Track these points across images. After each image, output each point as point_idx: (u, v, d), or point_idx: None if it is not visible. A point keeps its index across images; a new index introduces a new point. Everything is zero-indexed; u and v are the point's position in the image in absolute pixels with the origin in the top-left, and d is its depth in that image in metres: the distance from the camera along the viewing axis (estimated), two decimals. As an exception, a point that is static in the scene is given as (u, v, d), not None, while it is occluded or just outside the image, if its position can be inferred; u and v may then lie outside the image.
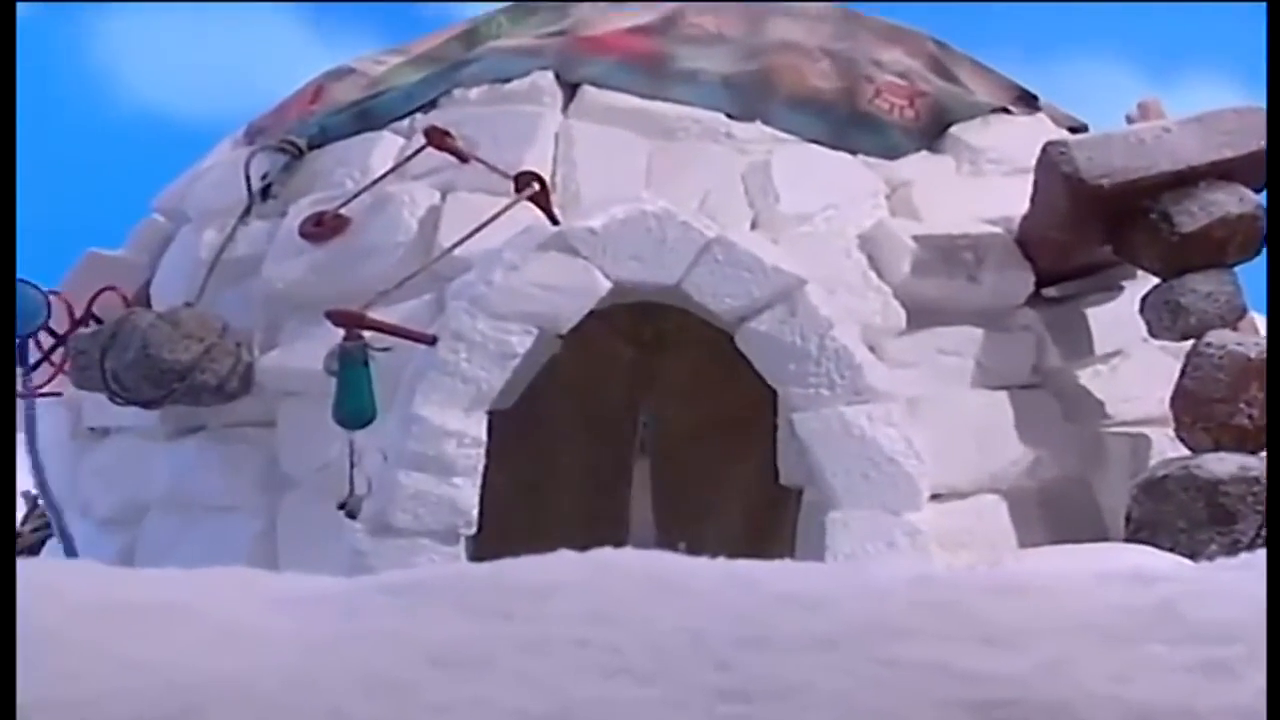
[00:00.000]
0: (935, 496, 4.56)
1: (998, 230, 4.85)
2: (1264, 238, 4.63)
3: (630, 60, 5.15)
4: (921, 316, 4.73)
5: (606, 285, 4.51)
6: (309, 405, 4.63)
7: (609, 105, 5.05)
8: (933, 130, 5.18)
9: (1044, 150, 4.63)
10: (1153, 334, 4.73)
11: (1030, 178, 4.72)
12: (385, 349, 4.38)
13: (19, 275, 4.82)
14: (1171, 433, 4.64)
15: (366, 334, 4.39)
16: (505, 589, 1.32)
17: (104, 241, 5.52)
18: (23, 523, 5.66)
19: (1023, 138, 5.10)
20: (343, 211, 4.87)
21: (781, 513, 4.94)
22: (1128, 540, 4.41)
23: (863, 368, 4.52)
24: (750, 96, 5.09)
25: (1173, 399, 4.58)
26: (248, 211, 5.08)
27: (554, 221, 4.63)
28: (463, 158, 4.91)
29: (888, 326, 4.70)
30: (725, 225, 4.66)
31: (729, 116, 5.04)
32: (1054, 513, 4.77)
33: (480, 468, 4.40)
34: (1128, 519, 4.47)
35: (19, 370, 5.00)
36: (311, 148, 5.18)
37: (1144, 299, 4.71)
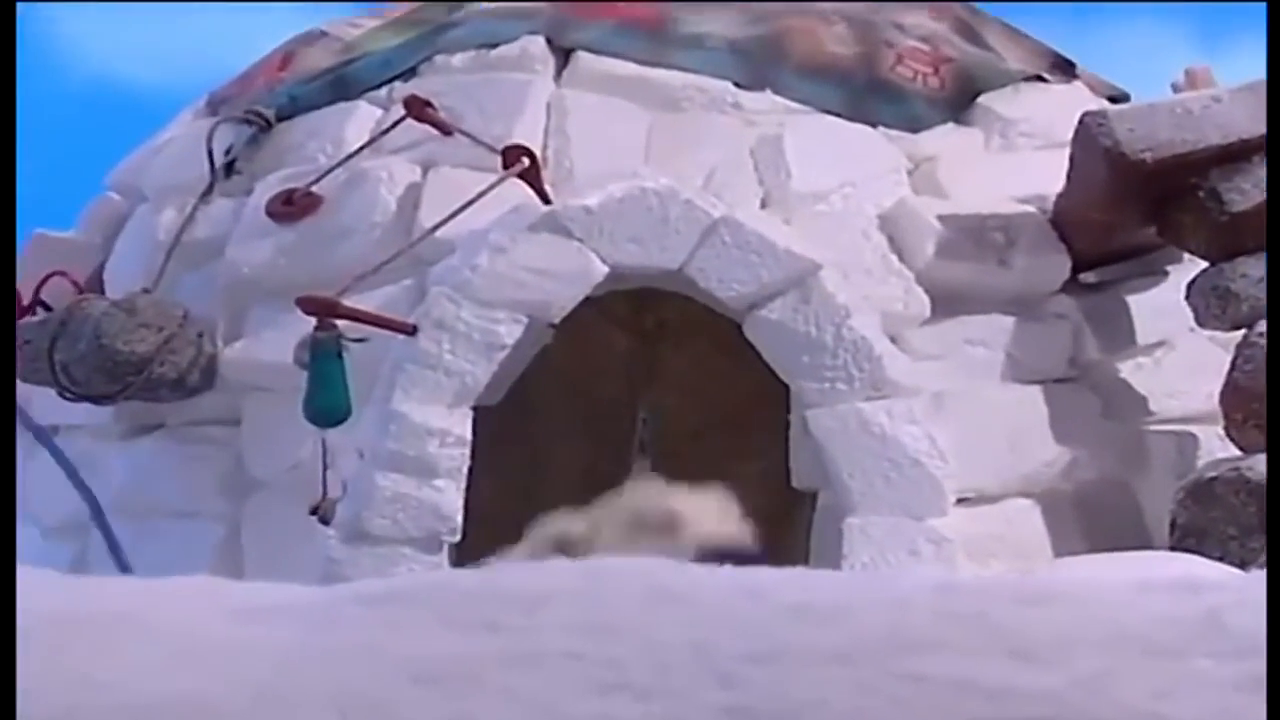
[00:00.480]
0: (962, 501, 4.57)
1: (1031, 209, 4.86)
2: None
3: (629, 24, 5.15)
4: (947, 304, 4.74)
5: (603, 270, 4.51)
6: (277, 401, 4.64)
7: (605, 73, 5.05)
8: (959, 100, 5.18)
9: (1082, 121, 4.63)
10: (1200, 323, 4.73)
11: (1066, 152, 4.72)
12: (361, 339, 4.38)
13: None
14: (1221, 431, 4.64)
15: (340, 323, 4.40)
16: (492, 599, 1.33)
17: (53, 222, 5.52)
18: None
19: (1058, 108, 5.10)
20: (314, 189, 4.87)
21: (793, 518, 4.95)
22: (1173, 549, 4.41)
23: (883, 360, 4.52)
24: (760, 63, 5.09)
25: (1222, 394, 4.58)
26: (210, 189, 5.08)
27: (545, 200, 4.63)
28: (445, 130, 4.91)
29: (910, 315, 4.70)
30: (732, 204, 4.67)
31: (737, 85, 5.04)
32: (1092, 519, 4.77)
33: (465, 469, 4.41)
34: (1173, 526, 4.47)
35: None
36: (280, 119, 5.18)
37: (1191, 284, 4.70)
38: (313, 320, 4.40)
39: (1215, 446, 4.71)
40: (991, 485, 4.68)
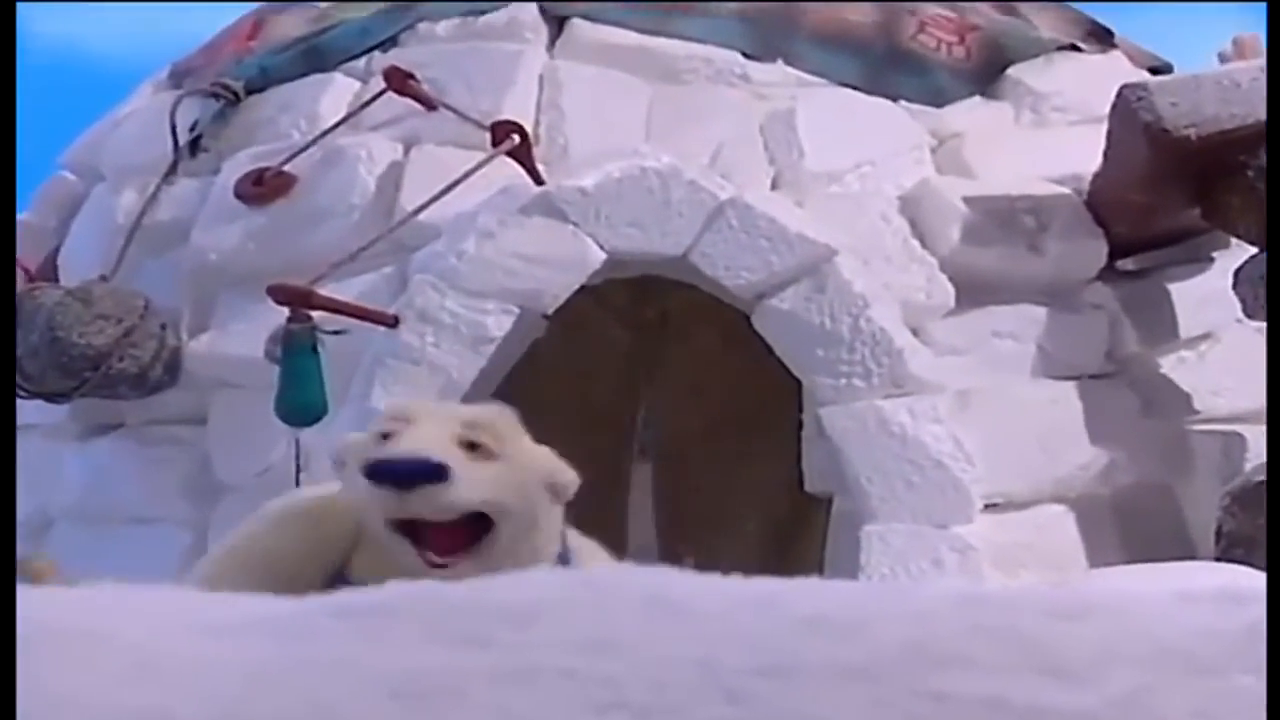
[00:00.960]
0: (989, 507, 4.58)
1: (1064, 190, 4.86)
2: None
3: (628, -12, 5.16)
4: (974, 293, 4.74)
5: (600, 256, 4.52)
6: (247, 399, 4.65)
7: (603, 42, 5.05)
8: (987, 71, 5.19)
9: (1120, 95, 4.64)
10: (1248, 314, 4.73)
11: (1103, 128, 4.73)
12: (338, 332, 4.39)
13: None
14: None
15: (315, 314, 4.40)
16: (481, 611, 1.33)
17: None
18: None
19: (1095, 80, 5.10)
20: (286, 168, 4.88)
21: (807, 525, 4.96)
22: (1218, 559, 4.42)
23: (903, 354, 4.53)
24: (770, 32, 5.09)
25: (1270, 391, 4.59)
26: (173, 168, 5.09)
27: (537, 181, 4.64)
28: (429, 104, 4.91)
29: (933, 305, 4.71)
30: (741, 185, 4.67)
31: (745, 56, 5.05)
32: (1131, 526, 4.78)
33: (450, 472, 4.41)
34: (1218, 533, 4.48)
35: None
36: (249, 92, 5.19)
37: (1238, 272, 4.71)
38: (285, 311, 4.41)
39: (1264, 448, 4.72)
40: (1021, 490, 4.69)
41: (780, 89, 5.01)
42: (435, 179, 4.68)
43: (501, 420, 2.71)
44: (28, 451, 5.10)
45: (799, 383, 4.57)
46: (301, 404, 4.36)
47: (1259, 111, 4.59)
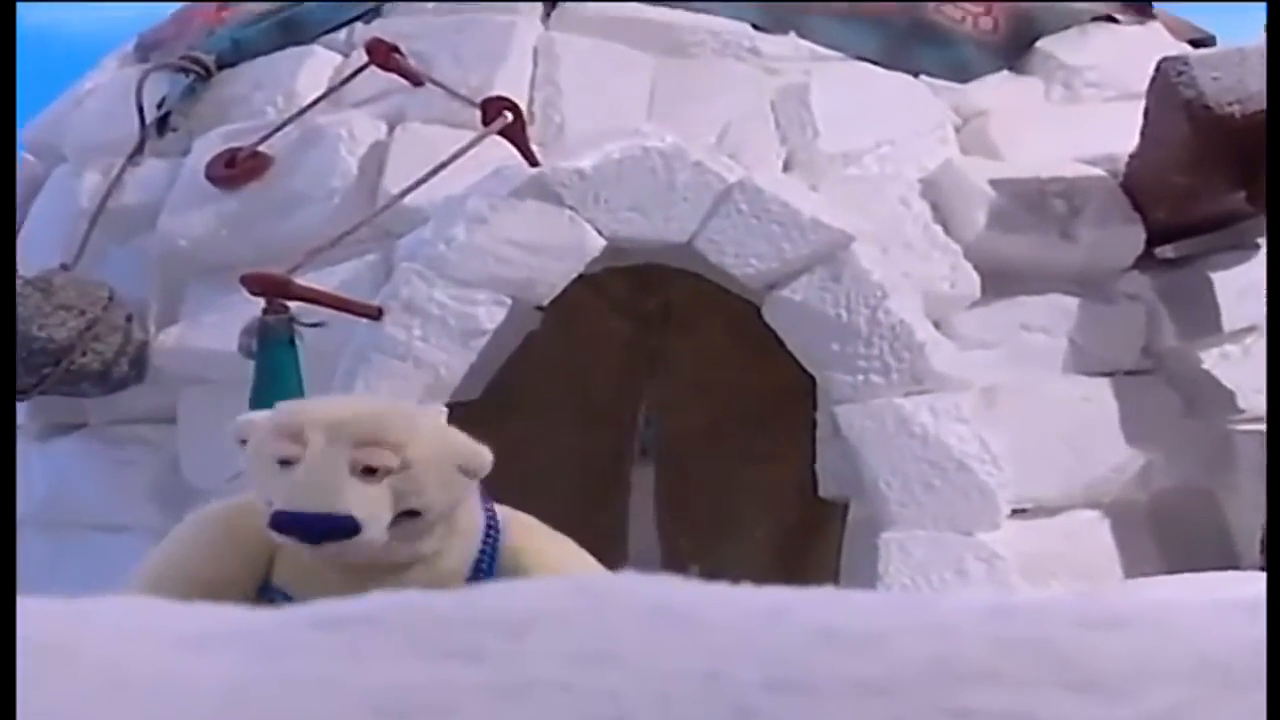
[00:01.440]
0: (1018, 512, 4.58)
1: (1098, 172, 4.87)
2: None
3: (629, -45, 5.16)
4: (1001, 283, 4.75)
5: (599, 243, 4.52)
6: (219, 396, 4.65)
7: (602, 13, 5.06)
8: (1016, 44, 5.19)
9: (1159, 69, 4.64)
10: (1296, 305, 4.74)
11: (1141, 105, 4.74)
12: (317, 324, 4.40)
13: None
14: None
15: (293, 305, 4.41)
16: (472, 622, 1.34)
17: (-43, 187, 5.53)
18: None
19: (1132, 53, 5.11)
20: (262, 148, 4.89)
21: (820, 532, 4.97)
22: (1264, 568, 4.43)
23: (925, 348, 4.54)
24: (783, 2, 5.10)
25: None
26: (140, 148, 5.09)
27: (532, 162, 4.65)
28: (415, 80, 4.92)
29: (957, 295, 4.72)
30: (750, 166, 4.68)
31: (755, 28, 5.06)
32: (1169, 533, 4.79)
33: (438, 475, 4.42)
34: (1263, 541, 4.49)
35: None
36: (221, 67, 5.19)
37: (1285, 260, 4.72)
38: (260, 302, 4.42)
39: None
40: (1052, 494, 4.70)
41: (793, 63, 5.02)
42: (422, 160, 4.68)
43: (393, 424, 2.82)
44: (-16, 453, 5.12)
45: (812, 379, 4.58)
46: (278, 401, 4.36)
47: (1308, 87, 4.59)
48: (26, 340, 4.72)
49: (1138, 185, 4.84)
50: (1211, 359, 4.90)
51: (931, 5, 5.18)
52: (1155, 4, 5.50)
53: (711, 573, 1.64)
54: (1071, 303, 4.82)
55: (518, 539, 2.92)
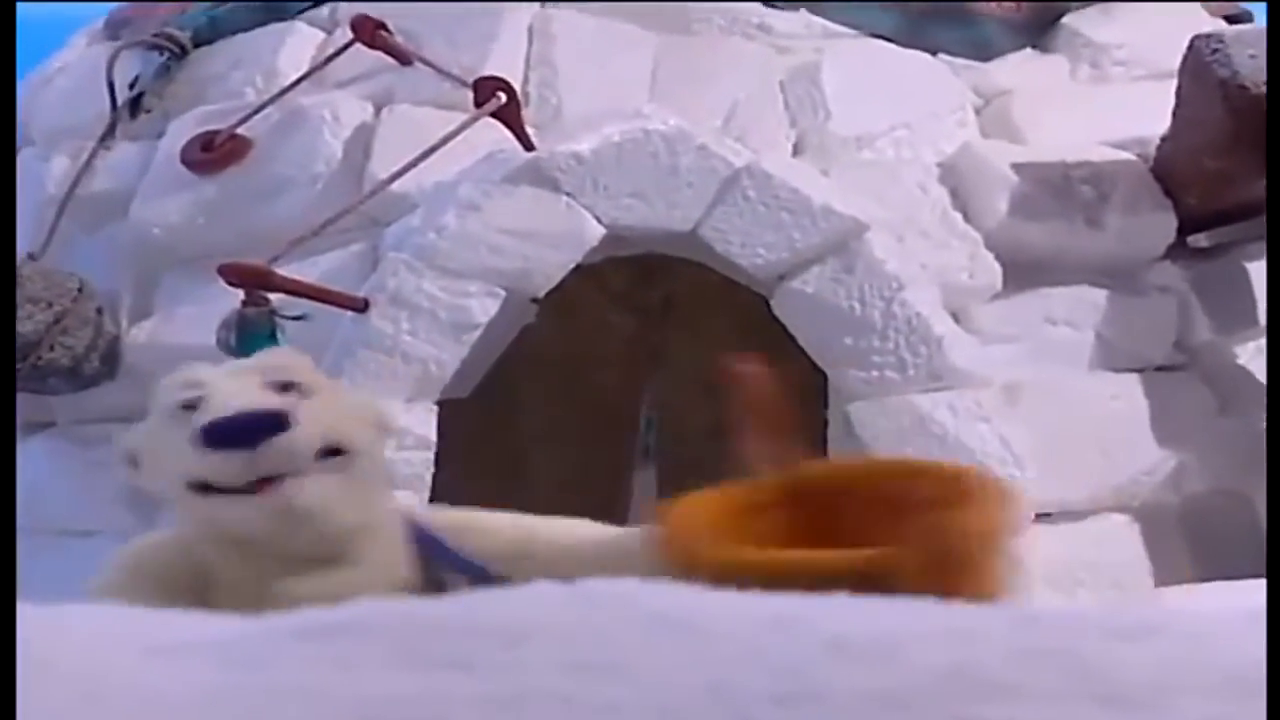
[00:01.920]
0: (1042, 516, 4.59)
1: (1128, 156, 4.87)
2: None
3: (630, -74, 5.17)
4: (1023, 273, 4.75)
5: (598, 232, 4.53)
6: (196, 393, 4.66)
7: (601, -13, 5.06)
8: (1040, 20, 5.20)
9: (1192, 47, 4.65)
10: (1337, 296, 4.75)
11: (1173, 84, 4.74)
12: (299, 317, 4.40)
13: None
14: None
15: (274, 297, 4.42)
16: (465, 632, 1.35)
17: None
18: None
19: (1163, 30, 5.11)
20: (241, 131, 4.89)
21: (834, 538, 4.96)
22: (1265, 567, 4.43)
23: (943, 343, 4.54)
24: (793, -25, 5.11)
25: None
26: (111, 130, 5.10)
27: (527, 146, 4.65)
28: (403, 58, 4.92)
29: (978, 287, 4.72)
30: (758, 150, 4.68)
31: (764, 3, 5.06)
32: (1202, 538, 4.79)
33: (428, 476, 4.43)
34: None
35: None
36: (197, 44, 5.20)
37: (1325, 249, 4.72)
38: (239, 294, 4.42)
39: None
40: (1078, 497, 4.70)
41: (804, 41, 5.02)
42: (410, 143, 4.69)
43: (297, 361, 2.74)
44: (-54, 454, 5.12)
45: (824, 376, 4.58)
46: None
47: (1350, 66, 4.59)
48: (-9, 334, 4.73)
49: (1169, 170, 4.84)
50: (1247, 354, 4.91)
51: (950, -21, 5.19)
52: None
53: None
54: (1099, 294, 4.82)
55: (447, 518, 2.85)
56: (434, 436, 4.45)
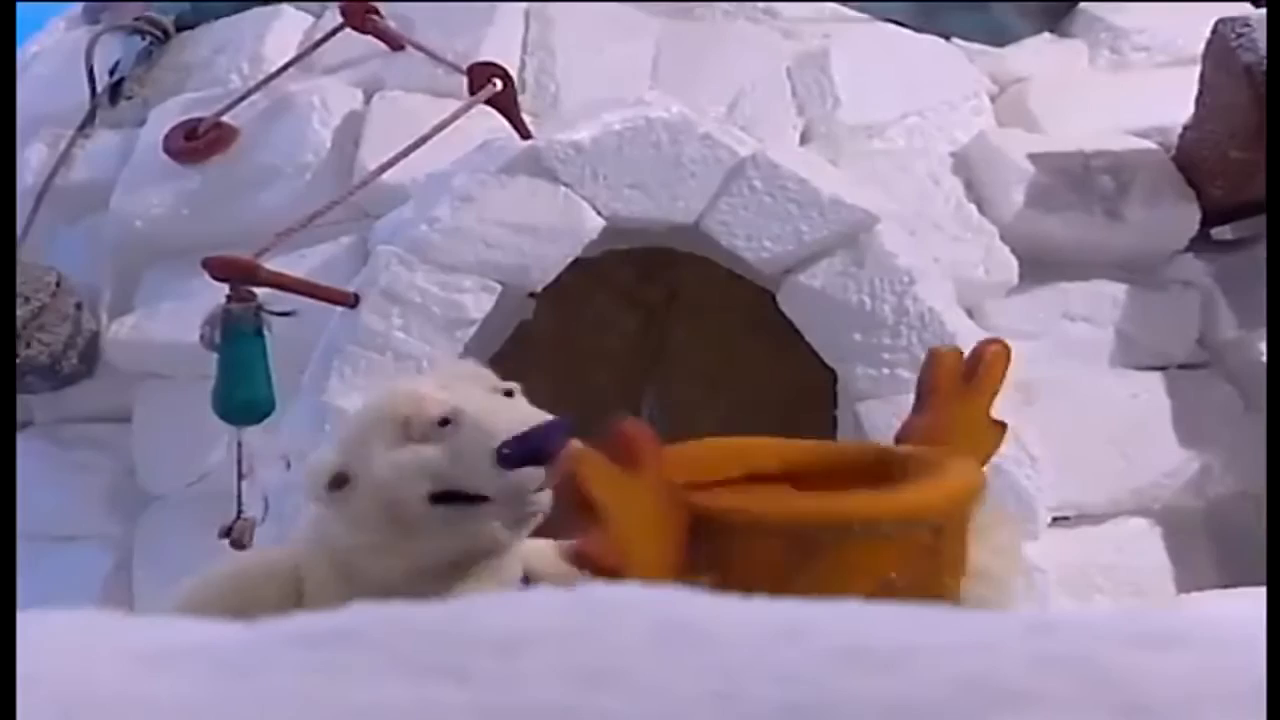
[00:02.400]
0: (1060, 520, 4.59)
1: (1149, 145, 4.88)
2: None
3: (631, -94, 5.17)
4: (1040, 267, 4.76)
5: (598, 224, 4.53)
6: (178, 392, 4.67)
7: (601, -31, 5.07)
8: (1058, 5, 5.20)
9: (1216, 31, 4.65)
10: (1367, 292, 4.75)
11: (1196, 70, 4.74)
12: (287, 313, 4.41)
13: None
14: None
15: (261, 292, 4.42)
16: (462, 639, 1.35)
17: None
18: None
19: (1186, 14, 5.11)
20: (226, 119, 4.90)
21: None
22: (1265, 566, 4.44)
23: (957, 339, 4.54)
24: (800, -43, 5.11)
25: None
26: (91, 118, 5.10)
27: (524, 134, 4.66)
28: (395, 44, 4.93)
29: (992, 281, 4.73)
30: (765, 139, 4.69)
31: (770, -15, 5.07)
32: (1227, 543, 4.80)
33: (420, 479, 4.44)
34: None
35: None
36: (180, 29, 5.21)
37: (1355, 242, 4.73)
38: (224, 288, 4.43)
39: (1386, 451, 4.74)
40: (1098, 500, 4.71)
41: (812, 25, 5.03)
42: (402, 132, 4.69)
43: (480, 368, 2.85)
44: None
45: (832, 373, 4.59)
46: (244, 398, 4.38)
47: (1380, 52, 4.60)
48: (-34, 331, 4.74)
49: (1192, 159, 4.84)
50: (1273, 351, 4.92)
51: (965, -39, 5.20)
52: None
53: (724, 584, 1.65)
54: (1119, 289, 4.83)
55: None
56: (427, 437, 4.45)
